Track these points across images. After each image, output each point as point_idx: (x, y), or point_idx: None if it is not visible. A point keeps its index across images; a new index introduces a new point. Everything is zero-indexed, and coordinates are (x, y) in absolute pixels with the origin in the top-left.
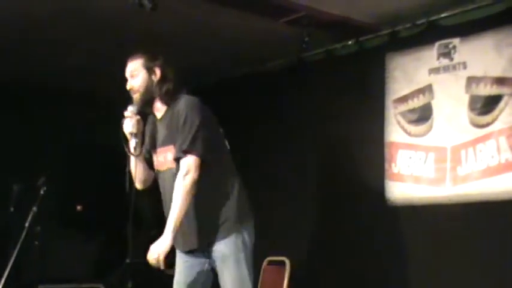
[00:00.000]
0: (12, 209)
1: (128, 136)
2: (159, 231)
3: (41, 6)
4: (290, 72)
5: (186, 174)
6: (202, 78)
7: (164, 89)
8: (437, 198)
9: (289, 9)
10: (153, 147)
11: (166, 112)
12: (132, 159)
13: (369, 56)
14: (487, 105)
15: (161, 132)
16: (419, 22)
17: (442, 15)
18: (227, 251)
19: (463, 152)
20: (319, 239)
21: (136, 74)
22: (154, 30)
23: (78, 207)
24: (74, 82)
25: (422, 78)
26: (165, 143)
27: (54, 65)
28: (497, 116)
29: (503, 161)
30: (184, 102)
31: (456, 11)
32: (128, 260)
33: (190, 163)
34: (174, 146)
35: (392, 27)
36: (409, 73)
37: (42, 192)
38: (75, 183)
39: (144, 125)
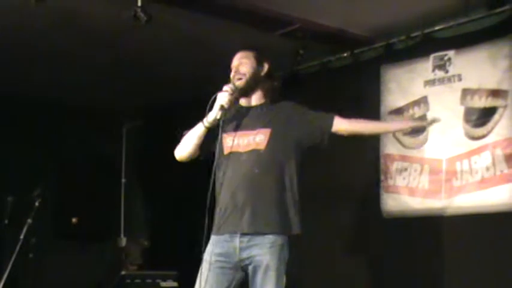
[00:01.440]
0: (6, 221)
1: (217, 107)
2: (152, 244)
3: (36, 19)
4: (285, 84)
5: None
6: (196, 91)
7: (271, 84)
8: (433, 210)
9: (284, 22)
10: (231, 131)
11: (263, 104)
12: (199, 129)
13: (364, 68)
14: (482, 117)
15: (249, 118)
16: (414, 34)
17: (437, 27)
18: (271, 262)
19: (458, 164)
20: (314, 251)
21: (246, 62)
22: (150, 43)
23: (74, 220)
24: (69, 95)
25: (417, 90)
26: (260, 127)
27: (49, 78)
28: (492, 128)
29: (498, 173)
30: (291, 102)
31: (451, 23)
32: (123, 272)
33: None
34: (272, 130)
35: (387, 39)
36: (404, 85)
37: (37, 204)
38: (70, 196)
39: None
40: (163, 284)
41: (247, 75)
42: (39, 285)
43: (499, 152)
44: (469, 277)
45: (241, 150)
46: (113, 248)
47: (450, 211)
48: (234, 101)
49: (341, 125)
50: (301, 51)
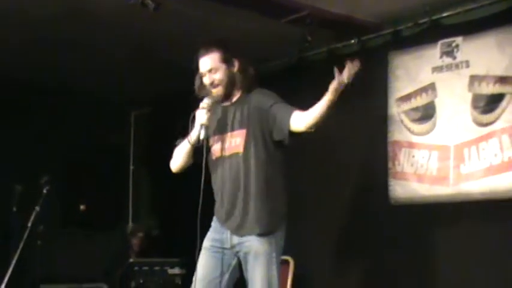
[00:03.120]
0: (14, 209)
1: (198, 126)
2: (160, 232)
3: (43, 6)
4: (292, 71)
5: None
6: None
7: (246, 77)
8: (441, 197)
9: (292, 9)
10: (215, 133)
11: (239, 99)
12: (185, 145)
13: (372, 55)
14: (489, 104)
15: (230, 117)
16: (421, 21)
17: (445, 14)
18: (260, 249)
19: (466, 150)
20: (323, 238)
21: (216, 69)
22: (156, 30)
23: (82, 207)
24: (77, 82)
25: (425, 76)
26: (237, 128)
27: (57, 65)
28: (500, 114)
29: (506, 159)
30: (261, 91)
31: (458, 10)
32: (131, 260)
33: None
34: (247, 130)
35: (394, 26)
36: (412, 72)
37: (45, 191)
38: (78, 183)
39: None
40: (171, 271)
41: (224, 82)
42: (47, 273)
43: (506, 138)
44: (477, 264)
45: (225, 154)
46: (121, 235)
47: (458, 197)
48: (216, 105)
49: (296, 126)
50: (308, 38)
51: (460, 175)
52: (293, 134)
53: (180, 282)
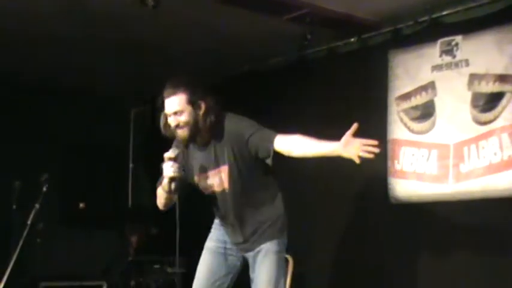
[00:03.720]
0: (14, 207)
1: (166, 180)
2: (160, 231)
3: (39, 4)
4: (292, 69)
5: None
6: (204, 77)
7: (208, 121)
8: (440, 195)
9: (292, 6)
10: (200, 171)
11: (210, 139)
12: (161, 193)
13: (372, 54)
14: (489, 103)
15: (205, 158)
16: (421, 19)
17: (444, 12)
18: (270, 247)
19: (465, 149)
20: (322, 237)
21: (182, 111)
22: (155, 28)
23: (81, 205)
24: (77, 80)
25: (424, 75)
26: (221, 164)
27: (55, 62)
28: (500, 113)
29: (505, 158)
30: (233, 120)
31: (458, 8)
32: (130, 258)
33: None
34: (229, 166)
35: (394, 24)
36: (412, 70)
37: (44, 189)
38: (77, 181)
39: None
40: (170, 270)
41: (189, 124)
42: (47, 270)
43: (506, 137)
44: (477, 262)
45: (217, 189)
46: (120, 233)
47: (458, 196)
48: (188, 144)
49: (281, 149)
50: (308, 36)
51: (460, 174)
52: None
53: (179, 281)
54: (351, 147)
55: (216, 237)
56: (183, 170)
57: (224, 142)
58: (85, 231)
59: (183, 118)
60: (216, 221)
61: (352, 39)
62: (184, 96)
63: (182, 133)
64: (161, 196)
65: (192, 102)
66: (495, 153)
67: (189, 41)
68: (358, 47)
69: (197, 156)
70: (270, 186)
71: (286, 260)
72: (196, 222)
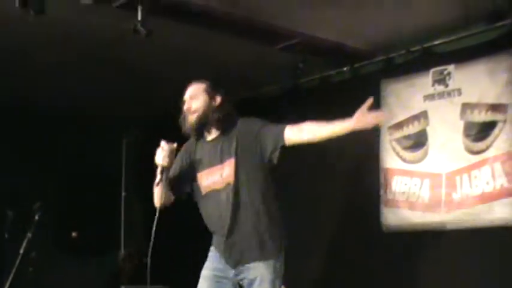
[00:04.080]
0: (6, 236)
1: (159, 169)
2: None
3: (36, 30)
4: (285, 98)
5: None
6: None
7: (218, 115)
8: (432, 224)
9: (284, 36)
10: (204, 168)
11: (219, 135)
12: (156, 189)
13: (364, 83)
14: (481, 132)
15: (218, 150)
16: (413, 49)
17: (436, 42)
18: (266, 275)
19: (458, 178)
20: (315, 265)
21: (197, 97)
22: (149, 55)
23: (74, 234)
24: (69, 107)
25: (417, 104)
26: (226, 158)
27: (48, 89)
28: (492, 142)
29: (498, 187)
30: (246, 120)
31: (450, 38)
32: (122, 286)
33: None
34: (236, 159)
35: (387, 53)
36: (404, 99)
37: (36, 218)
38: (70, 209)
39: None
40: None
41: (199, 112)
42: None
43: (498, 166)
44: None
45: (217, 187)
46: (113, 261)
47: (450, 225)
48: (198, 135)
49: (291, 138)
50: (300, 65)
51: (452, 202)
52: (285, 148)
53: None
54: (364, 118)
55: (213, 266)
56: (180, 168)
57: (233, 138)
58: (78, 260)
59: (196, 104)
60: (212, 248)
61: (345, 68)
62: (203, 86)
63: (191, 119)
64: (157, 196)
65: (209, 93)
66: (487, 183)
67: (180, 68)
68: (351, 76)
69: (203, 154)
70: (271, 199)
71: None
72: (187, 252)
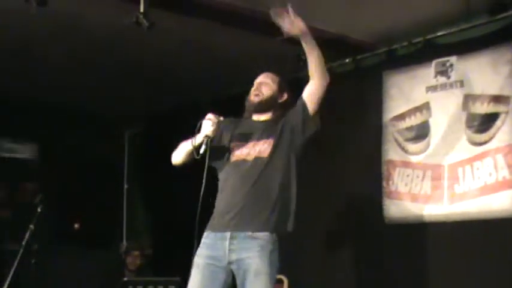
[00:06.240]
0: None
1: (202, 135)
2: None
3: (38, 24)
4: (289, 89)
5: None
6: (198, 97)
7: (277, 112)
8: (435, 216)
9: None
10: (238, 139)
11: (269, 120)
12: (188, 146)
13: (366, 75)
14: (484, 123)
15: (256, 129)
16: (416, 40)
17: (439, 33)
18: (261, 267)
19: (460, 169)
20: (317, 257)
21: (267, 85)
22: (152, 48)
23: (76, 225)
24: (72, 100)
25: (419, 96)
26: (265, 138)
27: (51, 83)
28: (494, 133)
29: (500, 178)
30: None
31: (453, 29)
32: (125, 278)
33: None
34: (275, 139)
35: (389, 45)
36: (406, 91)
37: (39, 210)
38: (72, 202)
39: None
40: None
41: (264, 96)
42: None
43: (501, 157)
44: (471, 283)
45: (247, 158)
46: (115, 254)
47: (452, 217)
48: (251, 115)
49: (307, 93)
50: (302, 57)
51: (454, 194)
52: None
53: None
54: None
55: (206, 254)
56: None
57: (278, 125)
58: (80, 252)
59: (264, 89)
60: (205, 234)
61: (347, 60)
62: (278, 79)
63: (254, 97)
64: (181, 151)
65: (280, 87)
66: (490, 174)
67: (182, 61)
68: (353, 68)
69: (244, 129)
70: (291, 188)
71: (281, 281)
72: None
